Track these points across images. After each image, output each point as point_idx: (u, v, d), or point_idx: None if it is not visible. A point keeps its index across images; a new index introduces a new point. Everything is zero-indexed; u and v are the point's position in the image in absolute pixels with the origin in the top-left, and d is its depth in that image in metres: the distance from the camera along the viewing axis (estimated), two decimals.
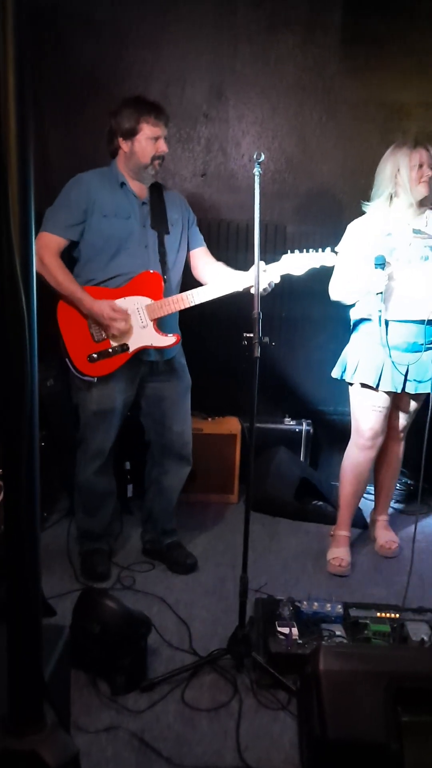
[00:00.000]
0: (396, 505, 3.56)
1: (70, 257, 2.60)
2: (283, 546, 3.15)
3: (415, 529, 2.61)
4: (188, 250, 2.75)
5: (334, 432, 3.70)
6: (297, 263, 2.47)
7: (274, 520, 3.39)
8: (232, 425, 3.56)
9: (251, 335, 2.06)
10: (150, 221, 2.60)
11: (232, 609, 2.22)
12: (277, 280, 2.48)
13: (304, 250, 2.47)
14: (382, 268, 2.58)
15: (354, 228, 2.78)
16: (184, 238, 2.71)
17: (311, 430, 3.70)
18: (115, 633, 2.06)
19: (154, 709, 2.01)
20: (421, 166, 2.63)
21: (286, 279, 2.50)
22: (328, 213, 3.56)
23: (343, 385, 2.93)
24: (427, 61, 3.47)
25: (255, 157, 2.09)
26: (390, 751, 1.59)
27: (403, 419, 2.96)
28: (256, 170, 2.09)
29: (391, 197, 2.71)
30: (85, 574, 2.75)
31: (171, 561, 2.85)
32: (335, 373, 2.91)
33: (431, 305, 2.65)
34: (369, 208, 2.77)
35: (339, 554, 2.93)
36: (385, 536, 3.13)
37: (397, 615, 2.35)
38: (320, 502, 3.48)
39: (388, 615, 2.35)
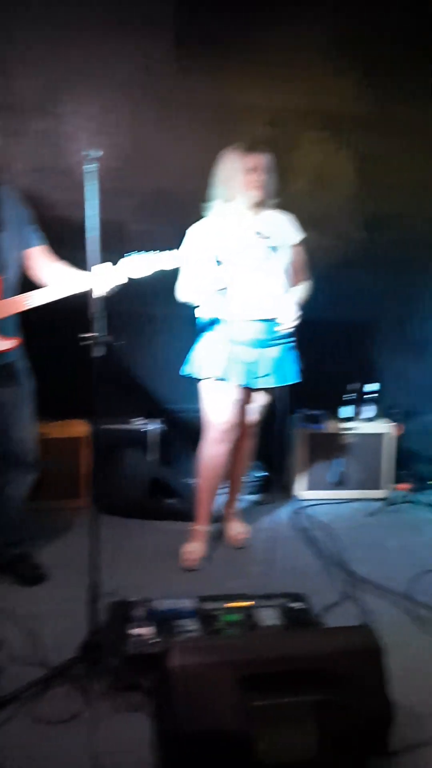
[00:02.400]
0: (250, 497, 3.67)
1: None
2: (139, 547, 3.13)
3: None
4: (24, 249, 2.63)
5: (185, 430, 3.73)
6: (136, 266, 2.39)
7: (128, 522, 3.36)
8: (78, 428, 3.48)
9: (89, 335, 2.03)
10: None
11: (85, 617, 2.16)
12: (124, 280, 2.42)
13: (144, 252, 2.43)
14: (220, 264, 2.63)
15: (193, 232, 2.81)
16: (20, 236, 2.59)
17: (161, 429, 3.71)
18: None
19: (3, 730, 1.91)
20: (254, 170, 2.70)
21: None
22: (168, 212, 3.57)
23: (191, 384, 2.96)
24: (264, 64, 3.57)
25: (86, 153, 2.04)
26: (242, 736, 1.63)
27: (253, 414, 3.05)
28: (89, 167, 2.05)
29: (229, 199, 2.77)
30: None
31: (16, 574, 2.74)
32: (186, 371, 2.92)
33: (273, 303, 2.75)
34: (208, 210, 2.81)
35: (190, 548, 2.97)
36: (234, 528, 3.21)
37: (250, 603, 2.41)
38: (174, 500, 3.50)
39: (238, 604, 2.40)
